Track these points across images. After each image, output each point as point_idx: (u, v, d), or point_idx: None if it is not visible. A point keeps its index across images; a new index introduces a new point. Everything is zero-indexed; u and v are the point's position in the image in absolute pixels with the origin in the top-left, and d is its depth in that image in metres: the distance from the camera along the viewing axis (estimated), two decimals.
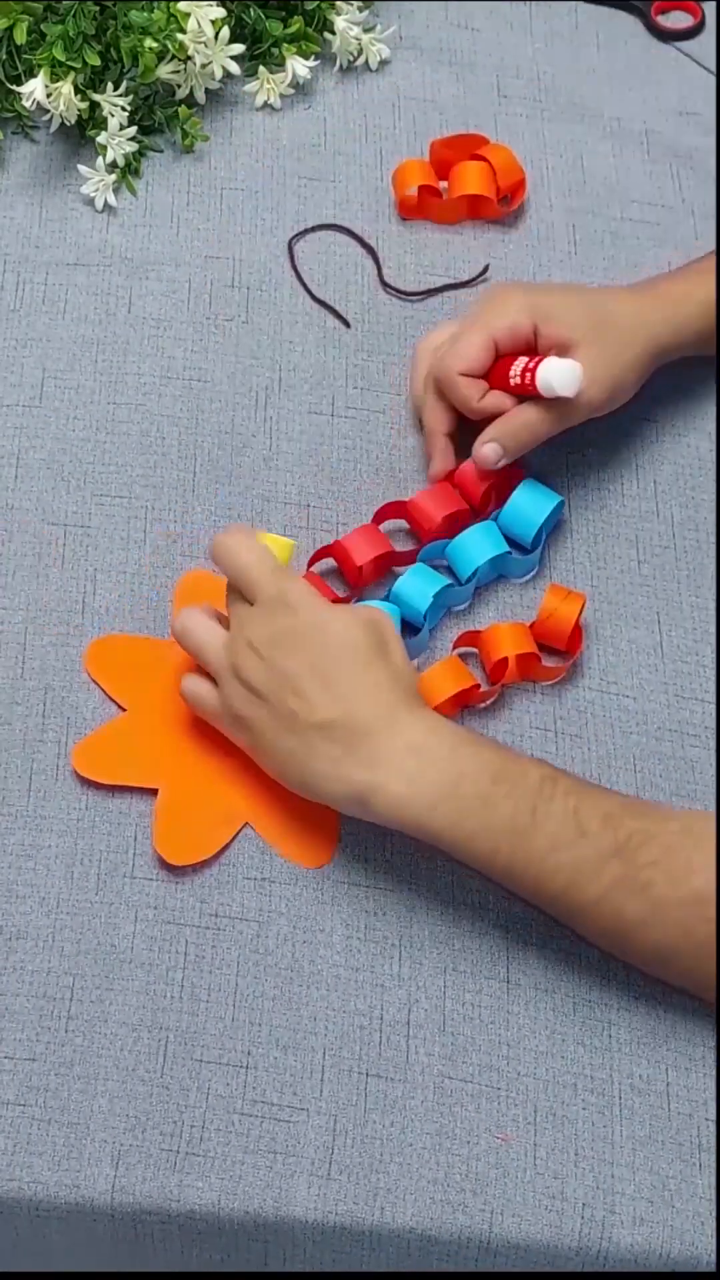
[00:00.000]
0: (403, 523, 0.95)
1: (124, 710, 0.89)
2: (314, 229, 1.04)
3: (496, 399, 0.92)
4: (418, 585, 0.90)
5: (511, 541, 0.93)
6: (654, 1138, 0.80)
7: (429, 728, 0.80)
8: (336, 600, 0.91)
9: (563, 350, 0.90)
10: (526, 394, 0.90)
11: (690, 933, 0.76)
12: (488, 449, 0.91)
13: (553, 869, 0.77)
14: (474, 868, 0.80)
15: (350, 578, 0.92)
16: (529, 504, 0.92)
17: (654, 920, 0.77)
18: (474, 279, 1.02)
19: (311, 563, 0.92)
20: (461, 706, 0.89)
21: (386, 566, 0.93)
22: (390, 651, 0.82)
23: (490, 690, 0.89)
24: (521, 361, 0.90)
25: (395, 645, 0.83)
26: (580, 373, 0.89)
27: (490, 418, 0.92)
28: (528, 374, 0.89)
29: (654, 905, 0.76)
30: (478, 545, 0.91)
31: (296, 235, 1.03)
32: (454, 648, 0.91)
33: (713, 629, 0.93)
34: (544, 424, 0.91)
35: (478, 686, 0.88)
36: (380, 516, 0.93)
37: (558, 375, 0.88)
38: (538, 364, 0.89)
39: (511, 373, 0.90)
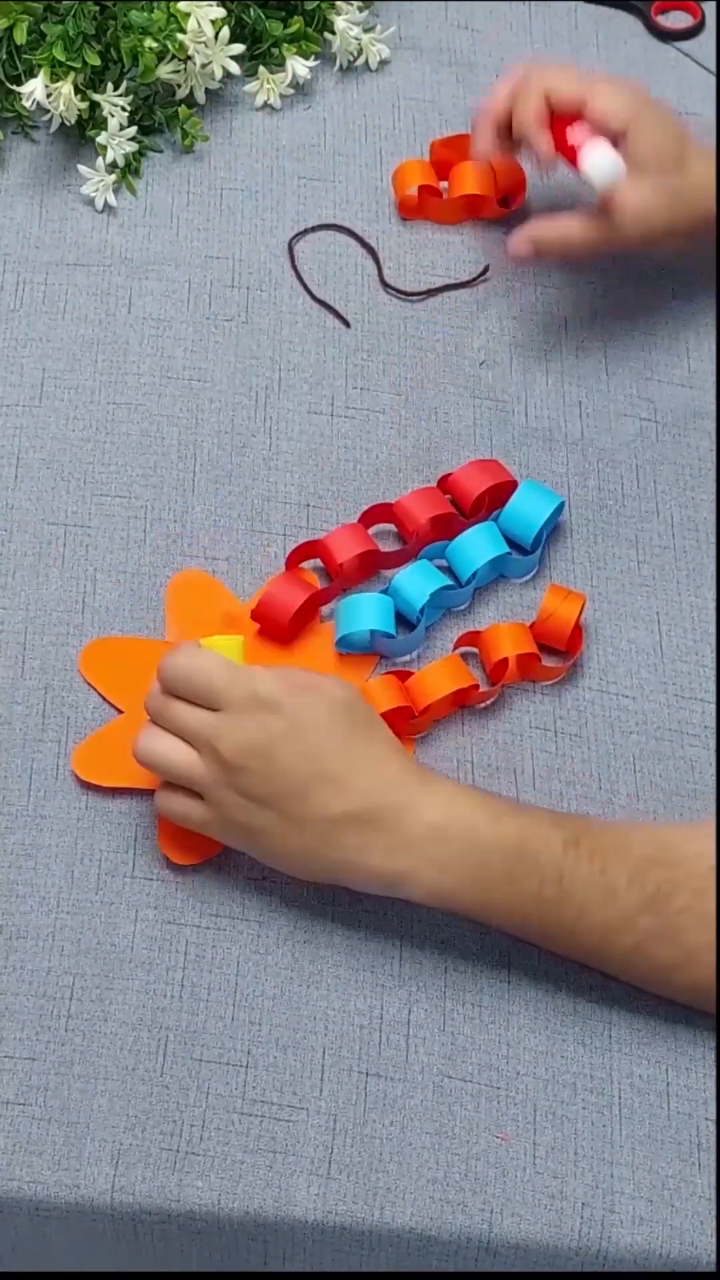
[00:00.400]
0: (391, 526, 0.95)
1: (121, 712, 0.89)
2: (314, 229, 1.04)
3: (543, 138, 0.92)
4: (416, 581, 0.90)
5: (511, 542, 0.93)
6: (654, 1137, 0.80)
7: (447, 803, 0.79)
8: (319, 595, 0.91)
9: (638, 170, 0.90)
10: (564, 157, 0.92)
11: None
12: (521, 240, 0.93)
13: (585, 931, 0.78)
14: (503, 931, 0.81)
15: (332, 574, 0.91)
16: (529, 505, 0.92)
17: (688, 963, 0.78)
18: (474, 279, 1.02)
19: (292, 560, 0.92)
20: (460, 706, 0.89)
21: (372, 565, 0.93)
22: (374, 717, 0.81)
23: (490, 690, 0.89)
24: (582, 130, 0.91)
25: (371, 709, 0.82)
26: (621, 174, 0.89)
27: (525, 140, 0.93)
28: (580, 143, 0.91)
29: (687, 950, 0.77)
30: (478, 546, 0.91)
31: (297, 235, 1.03)
32: (454, 648, 0.91)
33: (713, 629, 0.93)
34: (597, 231, 0.92)
35: (477, 686, 0.88)
36: (367, 518, 0.93)
37: (598, 166, 0.90)
38: (590, 144, 0.91)
39: (570, 133, 0.92)
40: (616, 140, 0.91)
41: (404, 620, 0.91)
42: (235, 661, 0.82)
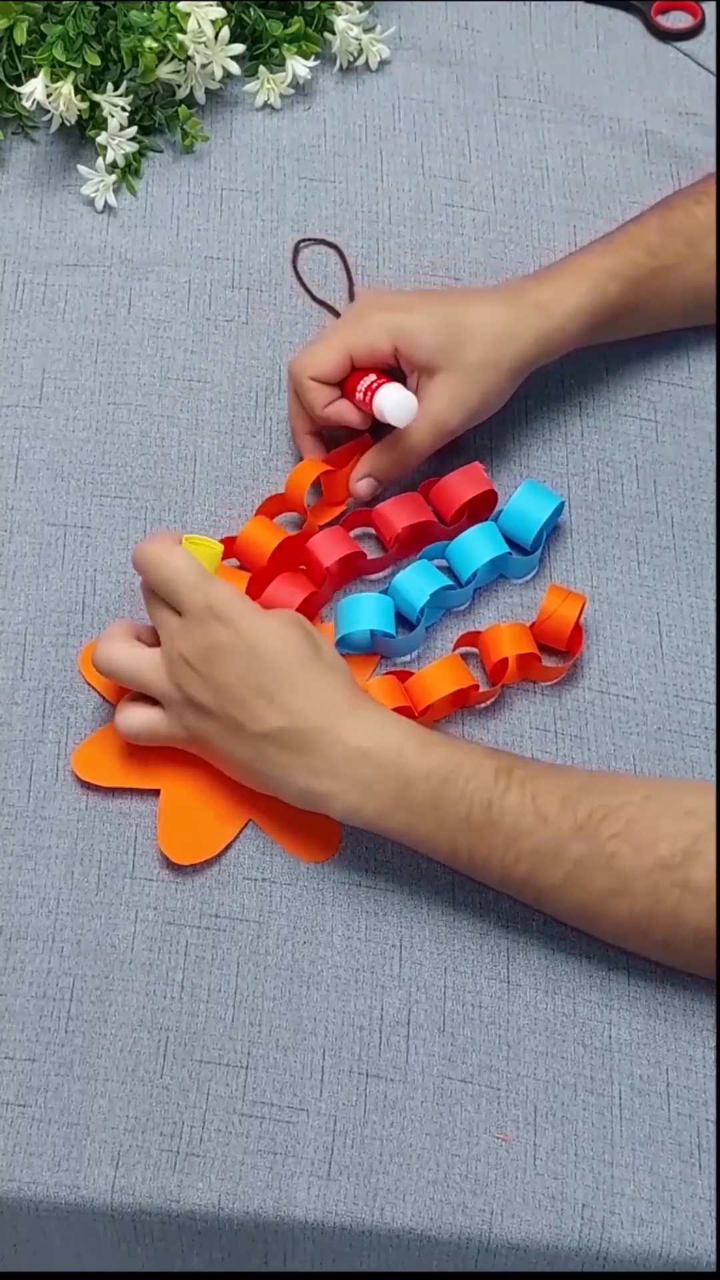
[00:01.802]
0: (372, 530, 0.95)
1: None
2: (312, 242, 1.04)
3: (340, 409, 0.92)
4: (416, 581, 0.90)
5: (511, 542, 0.93)
6: (654, 1138, 0.80)
7: (375, 729, 0.80)
8: (317, 595, 0.90)
9: (423, 373, 0.90)
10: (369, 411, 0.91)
11: (661, 900, 0.76)
12: (363, 485, 0.93)
13: (514, 858, 0.78)
14: (438, 862, 0.81)
15: (316, 577, 0.91)
16: (529, 505, 0.92)
17: (622, 891, 0.77)
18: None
19: (276, 555, 0.92)
20: (460, 706, 0.89)
21: (353, 570, 0.92)
22: (323, 650, 0.83)
23: (490, 691, 0.89)
24: (368, 380, 0.90)
25: (325, 644, 0.83)
26: (414, 407, 0.88)
27: (335, 425, 0.93)
28: (369, 394, 0.90)
29: (621, 876, 0.77)
30: (478, 546, 0.91)
31: (301, 241, 1.03)
32: (454, 648, 0.91)
33: (713, 629, 0.93)
34: (410, 454, 0.92)
35: (477, 686, 0.88)
36: (348, 523, 0.93)
37: (391, 405, 0.88)
38: (379, 387, 0.89)
39: (358, 389, 0.91)
40: (395, 360, 0.91)
41: (404, 620, 0.91)
42: (205, 569, 0.83)
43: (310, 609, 0.91)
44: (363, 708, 0.81)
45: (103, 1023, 0.81)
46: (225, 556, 0.92)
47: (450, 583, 0.90)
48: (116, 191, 1.05)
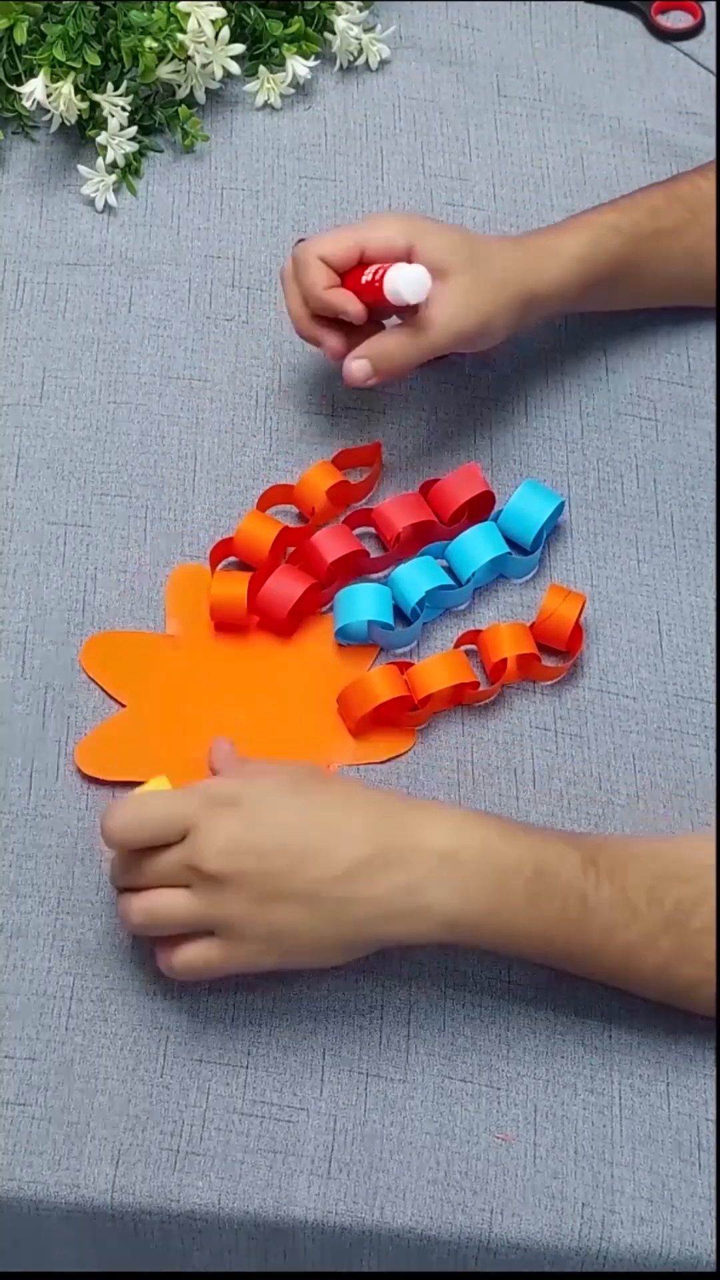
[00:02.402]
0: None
1: (123, 706, 0.89)
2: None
3: (342, 295, 0.90)
4: (414, 577, 0.90)
5: (511, 542, 0.93)
6: (654, 1137, 0.80)
7: (453, 827, 0.76)
8: (317, 588, 0.90)
9: (436, 275, 0.88)
10: (375, 300, 0.89)
11: None
12: (356, 365, 0.89)
13: (609, 953, 0.77)
14: (519, 959, 0.80)
15: (318, 573, 0.91)
16: (529, 505, 0.92)
17: (710, 980, 0.77)
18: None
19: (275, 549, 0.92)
20: (459, 703, 0.89)
21: (354, 568, 0.93)
22: (335, 777, 0.81)
23: (490, 689, 0.89)
24: (375, 267, 0.89)
25: (325, 773, 0.81)
26: (428, 282, 0.87)
27: (331, 311, 0.90)
28: (379, 274, 0.88)
29: (709, 967, 0.77)
30: (478, 546, 0.91)
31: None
32: (454, 647, 0.91)
33: (713, 629, 0.93)
34: (414, 346, 0.89)
35: (477, 684, 0.88)
36: (349, 523, 0.93)
37: (405, 280, 0.87)
38: (388, 268, 0.88)
39: (365, 274, 0.89)
40: (408, 258, 0.90)
41: (402, 616, 0.91)
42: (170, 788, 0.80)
43: (311, 604, 0.91)
44: (428, 808, 0.78)
45: (103, 1021, 0.81)
46: (224, 557, 0.92)
47: (449, 579, 0.90)
48: (116, 191, 1.05)
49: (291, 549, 0.93)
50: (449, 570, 0.92)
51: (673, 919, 0.77)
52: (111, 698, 0.89)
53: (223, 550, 0.92)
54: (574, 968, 0.79)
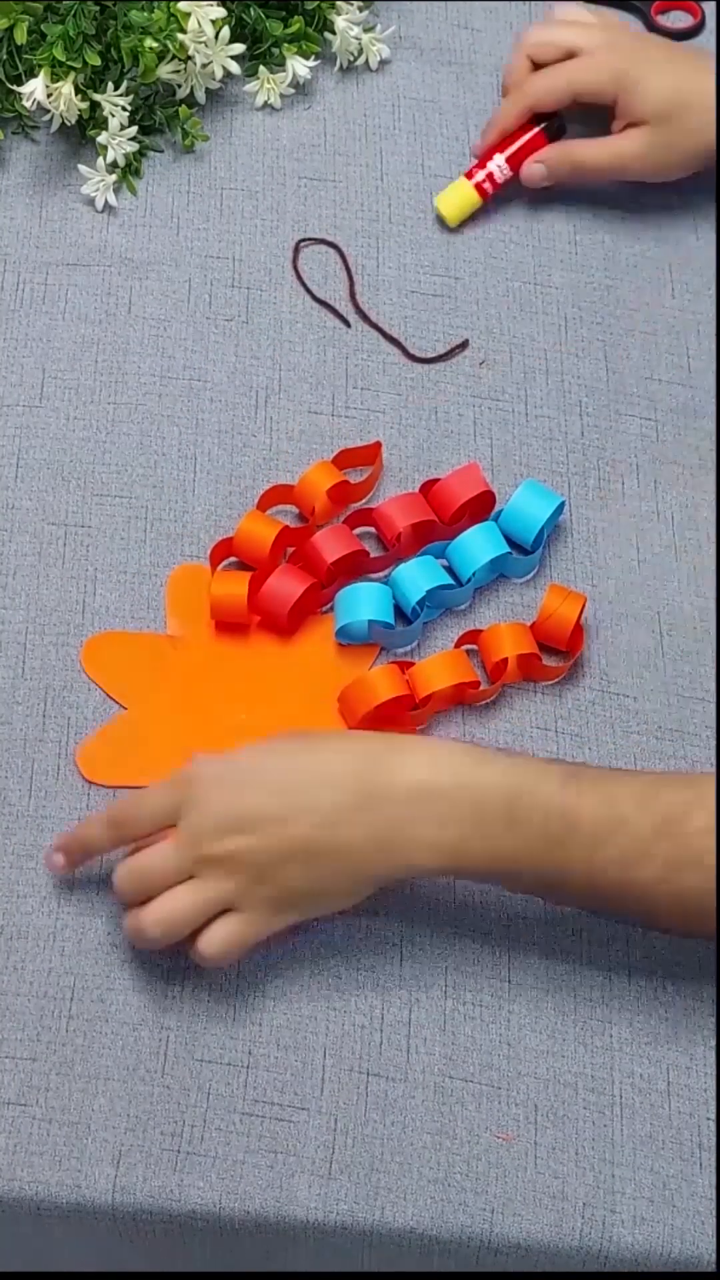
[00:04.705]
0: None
1: (123, 708, 0.89)
2: (312, 242, 1.04)
3: (521, 99, 1.03)
4: (414, 576, 0.90)
5: (511, 542, 0.93)
6: (654, 1137, 0.80)
7: (428, 759, 0.77)
8: (318, 586, 0.90)
9: (633, 124, 0.99)
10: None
11: None
12: (535, 168, 1.02)
13: (602, 868, 0.75)
14: (522, 890, 0.79)
15: (319, 573, 0.91)
16: (530, 505, 0.92)
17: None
18: (451, 351, 1.01)
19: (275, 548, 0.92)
20: (460, 702, 0.89)
21: (355, 568, 0.93)
22: (313, 730, 0.81)
23: (490, 689, 0.89)
24: (531, 136, 1.03)
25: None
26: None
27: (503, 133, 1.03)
28: (523, 151, 1.03)
29: (712, 873, 0.74)
30: (478, 546, 0.91)
31: (302, 240, 1.03)
32: (455, 647, 0.91)
33: (713, 629, 0.93)
34: (596, 163, 1.01)
35: (478, 683, 0.88)
36: (349, 523, 0.93)
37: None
38: (531, 157, 1.02)
39: (498, 162, 1.03)
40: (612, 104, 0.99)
41: (402, 615, 0.91)
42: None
43: (311, 604, 0.91)
44: (402, 742, 0.79)
45: (103, 1021, 0.81)
46: (224, 557, 0.92)
47: (449, 580, 0.91)
48: (116, 191, 1.05)
49: (292, 549, 0.93)
50: (449, 570, 0.92)
51: (666, 823, 0.74)
52: (112, 698, 0.89)
53: (223, 550, 0.92)
54: (573, 893, 0.78)
